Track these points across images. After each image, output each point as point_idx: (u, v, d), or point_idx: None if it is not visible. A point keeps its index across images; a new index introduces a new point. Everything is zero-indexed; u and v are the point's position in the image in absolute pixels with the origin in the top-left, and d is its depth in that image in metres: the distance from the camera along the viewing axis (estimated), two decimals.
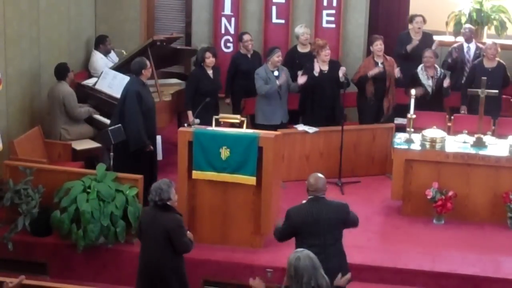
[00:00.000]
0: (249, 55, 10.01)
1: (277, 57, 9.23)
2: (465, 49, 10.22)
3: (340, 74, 9.24)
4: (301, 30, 9.99)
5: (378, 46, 9.51)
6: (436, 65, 9.64)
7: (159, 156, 8.70)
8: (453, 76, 10.05)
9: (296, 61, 9.93)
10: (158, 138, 8.63)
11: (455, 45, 10.38)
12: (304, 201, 6.16)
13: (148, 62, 8.37)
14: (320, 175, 6.19)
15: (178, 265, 6.25)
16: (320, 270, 4.83)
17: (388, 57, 9.66)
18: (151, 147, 8.28)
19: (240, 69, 9.93)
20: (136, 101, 8.11)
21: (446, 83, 9.56)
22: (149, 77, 9.22)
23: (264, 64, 9.42)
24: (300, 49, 10.04)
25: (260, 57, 10.08)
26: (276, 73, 9.28)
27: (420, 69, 9.59)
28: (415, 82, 9.52)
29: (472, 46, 10.21)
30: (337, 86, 9.33)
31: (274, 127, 9.00)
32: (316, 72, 9.27)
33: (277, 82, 9.18)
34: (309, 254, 4.85)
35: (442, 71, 9.68)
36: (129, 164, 8.08)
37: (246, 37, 9.98)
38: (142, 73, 8.26)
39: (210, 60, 9.15)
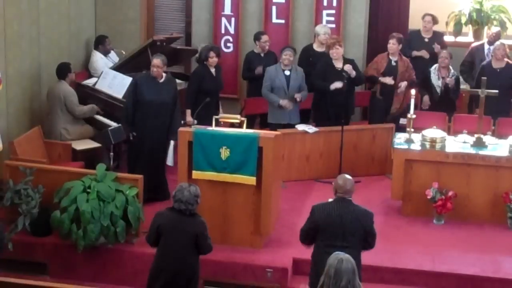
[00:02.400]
0: (262, 54, 10.02)
1: (285, 55, 9.22)
2: (486, 51, 10.19)
3: (346, 68, 9.22)
4: (323, 30, 9.98)
5: (390, 44, 9.50)
6: (450, 67, 9.60)
7: (169, 162, 8.68)
8: (463, 74, 10.03)
9: (310, 59, 9.91)
10: (172, 143, 8.62)
11: (474, 44, 10.36)
12: (330, 200, 6.12)
13: (153, 60, 8.39)
14: (348, 176, 6.11)
15: (198, 268, 6.31)
16: (357, 277, 4.80)
17: (404, 58, 9.64)
18: (131, 135, 8.34)
19: (252, 68, 9.95)
20: (130, 89, 8.41)
21: (450, 82, 9.49)
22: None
23: (278, 62, 9.42)
24: (317, 48, 10.02)
25: (275, 56, 10.07)
26: (287, 72, 9.26)
27: (433, 68, 9.59)
28: (426, 82, 9.52)
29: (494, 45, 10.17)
30: (352, 83, 9.30)
31: (282, 127, 9.01)
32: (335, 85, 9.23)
33: (280, 102, 9.15)
34: (350, 258, 4.82)
35: (455, 73, 9.62)
36: (138, 163, 8.21)
37: (264, 37, 9.99)
38: (150, 68, 8.42)
39: (213, 59, 9.14)
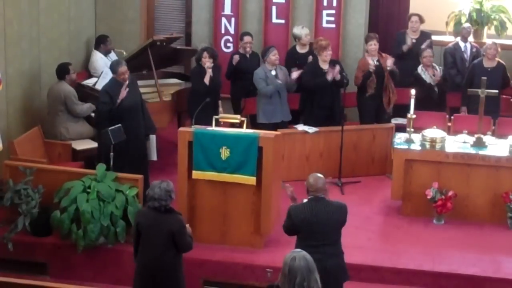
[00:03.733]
0: (247, 55, 10.01)
1: (273, 55, 9.21)
2: (463, 48, 10.22)
3: (389, 63, 9.29)
4: (304, 31, 9.96)
5: (373, 46, 9.51)
6: (433, 64, 9.64)
7: (153, 157, 8.67)
8: (458, 75, 10.04)
9: (296, 61, 9.92)
10: (153, 138, 8.63)
11: (450, 44, 10.38)
12: (304, 200, 6.16)
13: (119, 69, 8.28)
14: (319, 175, 6.18)
15: (180, 265, 6.28)
16: (315, 274, 4.79)
17: (383, 54, 9.64)
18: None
19: (239, 69, 9.92)
20: (106, 99, 8.22)
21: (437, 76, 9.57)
22: (150, 77, 9.22)
23: (262, 65, 9.41)
24: (300, 49, 10.03)
25: (259, 58, 10.07)
26: (273, 72, 9.27)
27: (420, 70, 9.59)
28: (420, 83, 9.51)
29: (468, 45, 10.21)
30: (335, 86, 9.31)
31: (274, 126, 9.01)
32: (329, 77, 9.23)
33: (278, 80, 9.17)
34: (306, 255, 4.83)
35: (440, 67, 9.65)
36: (119, 163, 8.12)
37: (246, 38, 9.96)
38: (116, 73, 8.30)
39: (206, 60, 9.11)
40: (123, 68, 8.29)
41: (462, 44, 10.24)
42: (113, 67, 8.35)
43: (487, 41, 10.29)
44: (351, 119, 9.95)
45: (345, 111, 9.42)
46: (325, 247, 5.95)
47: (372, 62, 9.43)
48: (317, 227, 5.99)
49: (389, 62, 9.45)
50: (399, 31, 10.51)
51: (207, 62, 9.11)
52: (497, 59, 9.70)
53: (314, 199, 6.09)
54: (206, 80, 9.05)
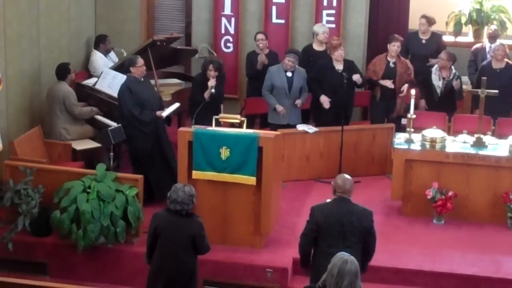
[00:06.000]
0: (263, 55, 9.98)
1: (288, 60, 9.18)
2: (487, 49, 10.18)
3: (355, 78, 9.26)
4: (322, 29, 9.97)
5: (395, 47, 9.47)
6: (452, 67, 9.57)
7: (163, 113, 8.63)
8: (474, 74, 10.00)
9: (310, 58, 9.89)
10: (175, 104, 8.83)
11: (477, 45, 10.36)
12: (328, 200, 6.13)
13: (137, 60, 8.41)
14: (347, 176, 6.13)
15: (197, 268, 6.30)
16: (359, 280, 4.80)
17: (402, 58, 9.63)
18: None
19: (254, 66, 9.89)
20: (127, 95, 8.27)
21: (457, 85, 9.48)
22: (150, 77, 9.20)
23: (281, 62, 9.40)
24: (316, 47, 10.01)
25: (276, 57, 9.99)
26: (289, 74, 9.22)
27: (434, 68, 9.58)
28: (426, 81, 9.52)
29: (494, 46, 10.07)
30: (351, 86, 9.33)
31: (282, 127, 8.99)
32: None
33: (277, 108, 9.13)
34: (354, 261, 4.82)
35: (457, 74, 9.60)
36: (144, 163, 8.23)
37: (258, 36, 9.94)
38: (131, 70, 8.37)
39: (212, 73, 8.98)
40: (141, 60, 8.40)
41: (488, 45, 10.22)
42: (127, 65, 8.40)
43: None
44: (353, 119, 9.95)
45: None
46: (344, 250, 5.90)
47: (389, 84, 9.42)
48: (337, 228, 5.95)
49: (405, 90, 9.46)
50: (410, 31, 10.51)
51: (212, 78, 9.00)
52: (505, 60, 9.68)
53: (339, 199, 6.04)
54: (206, 95, 8.97)
